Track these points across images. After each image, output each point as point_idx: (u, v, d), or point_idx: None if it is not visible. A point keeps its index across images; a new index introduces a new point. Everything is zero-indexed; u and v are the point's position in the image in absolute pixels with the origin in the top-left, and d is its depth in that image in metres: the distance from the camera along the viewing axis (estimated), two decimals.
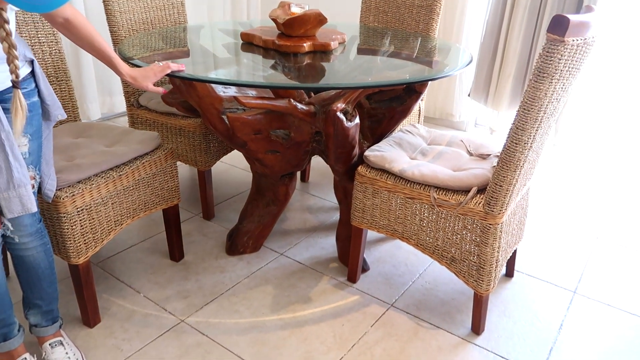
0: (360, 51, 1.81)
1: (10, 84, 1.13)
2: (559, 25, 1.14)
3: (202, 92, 1.43)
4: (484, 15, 3.03)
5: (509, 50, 2.86)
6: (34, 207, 1.18)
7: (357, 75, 1.49)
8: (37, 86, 1.23)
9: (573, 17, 1.14)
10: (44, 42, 1.68)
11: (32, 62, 1.21)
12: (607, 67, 2.77)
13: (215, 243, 1.97)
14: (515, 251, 1.77)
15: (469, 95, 3.17)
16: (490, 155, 1.62)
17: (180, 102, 1.60)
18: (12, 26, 1.08)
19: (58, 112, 1.29)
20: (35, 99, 1.22)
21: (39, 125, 1.23)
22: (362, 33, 2.21)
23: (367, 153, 1.58)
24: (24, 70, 1.17)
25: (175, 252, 1.84)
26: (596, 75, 2.79)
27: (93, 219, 1.45)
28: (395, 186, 1.52)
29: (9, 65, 1.04)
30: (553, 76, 1.20)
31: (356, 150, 1.63)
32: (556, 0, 2.62)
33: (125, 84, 2.14)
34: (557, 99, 1.30)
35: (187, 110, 1.65)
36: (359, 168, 1.59)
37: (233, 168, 2.62)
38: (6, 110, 1.12)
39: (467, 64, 1.62)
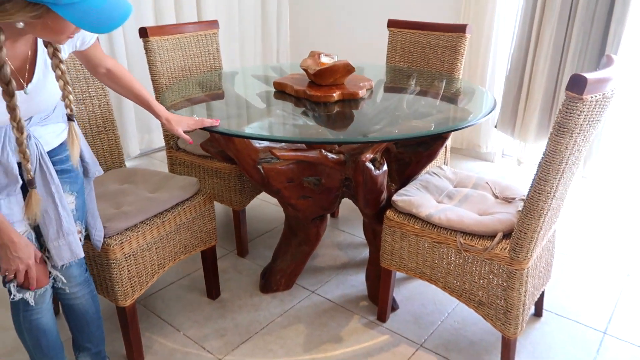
0: (387, 97, 1.90)
1: (57, 144, 1.24)
2: (577, 84, 1.19)
3: (240, 146, 1.53)
4: (508, 49, 3.08)
5: (534, 83, 2.90)
6: (81, 253, 1.28)
7: (385, 125, 1.57)
8: (82, 153, 1.32)
9: (591, 76, 1.20)
10: (94, 96, 1.83)
11: (70, 117, 1.27)
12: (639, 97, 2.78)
13: (249, 280, 2.05)
14: (543, 291, 1.79)
15: (495, 126, 3.21)
16: (515, 198, 1.67)
17: (218, 151, 1.71)
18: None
19: (96, 169, 1.39)
20: (70, 162, 1.29)
21: (82, 183, 1.34)
22: (388, 76, 2.29)
23: (394, 198, 1.65)
24: (66, 132, 1.26)
25: (212, 290, 1.94)
26: (627, 105, 2.79)
27: (139, 263, 1.56)
28: (422, 231, 1.58)
29: (64, 100, 1.15)
30: (573, 131, 1.25)
31: (384, 195, 1.70)
32: (580, 35, 2.66)
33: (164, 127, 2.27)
34: (578, 150, 1.35)
35: (224, 159, 1.76)
36: (388, 212, 1.65)
37: (266, 203, 2.72)
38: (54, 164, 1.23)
39: (490, 111, 1.68)
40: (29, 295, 1.25)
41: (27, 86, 1.08)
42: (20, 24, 0.94)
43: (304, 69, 1.86)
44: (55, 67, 1.11)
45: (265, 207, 2.68)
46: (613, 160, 2.91)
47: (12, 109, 1.01)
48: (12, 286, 1.23)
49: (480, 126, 3.26)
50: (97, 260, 1.51)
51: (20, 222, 1.18)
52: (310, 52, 1.93)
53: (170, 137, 2.28)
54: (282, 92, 1.91)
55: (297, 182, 1.63)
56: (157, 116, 1.53)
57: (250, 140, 1.59)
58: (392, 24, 2.58)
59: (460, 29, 2.34)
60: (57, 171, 1.22)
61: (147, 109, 1.51)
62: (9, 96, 0.99)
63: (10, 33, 1.00)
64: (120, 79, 1.45)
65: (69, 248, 1.25)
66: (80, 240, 1.34)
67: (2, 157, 1.11)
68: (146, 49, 2.13)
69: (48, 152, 1.20)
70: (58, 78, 1.12)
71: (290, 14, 4.12)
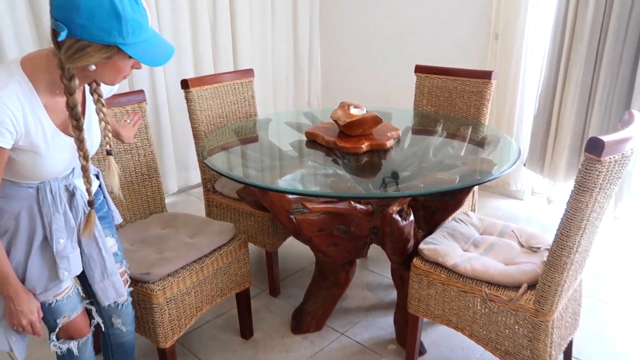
0: (414, 145, 1.98)
1: (93, 194, 1.34)
2: (595, 147, 1.25)
3: (274, 197, 1.64)
4: (536, 90, 3.12)
5: (563, 123, 2.93)
6: (125, 292, 1.39)
7: (411, 177, 1.65)
8: (105, 198, 1.45)
9: (609, 138, 1.25)
10: (140, 147, 1.98)
11: (97, 176, 1.43)
12: None
13: (281, 320, 2.13)
14: (571, 340, 1.80)
15: (524, 165, 3.23)
16: (540, 248, 1.70)
17: (253, 200, 1.81)
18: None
19: (118, 218, 1.50)
20: (106, 208, 1.44)
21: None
22: (415, 123, 2.38)
23: (421, 246, 1.71)
24: (95, 184, 1.39)
25: (246, 330, 2.02)
26: None
27: (179, 307, 1.66)
28: (448, 279, 1.63)
29: (104, 137, 1.26)
30: (593, 190, 1.30)
31: (411, 243, 1.76)
32: (608, 75, 2.69)
33: (203, 171, 2.40)
34: (600, 206, 1.39)
35: (258, 208, 1.86)
36: (414, 260, 1.71)
37: (297, 242, 2.80)
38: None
39: (515, 162, 1.73)
40: (73, 345, 1.34)
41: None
42: (93, 67, 1.06)
43: (334, 120, 1.97)
44: (99, 110, 1.23)
45: (296, 246, 2.77)
46: None
47: (80, 141, 1.12)
48: (54, 343, 1.31)
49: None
50: (140, 304, 1.62)
51: (69, 278, 1.27)
52: (340, 103, 2.04)
53: (208, 181, 2.41)
54: (313, 141, 2.02)
55: (327, 230, 1.72)
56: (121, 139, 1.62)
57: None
58: (419, 69, 2.67)
59: (486, 75, 2.41)
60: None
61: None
62: (79, 130, 1.11)
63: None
64: None
65: (113, 288, 1.36)
66: (127, 280, 1.47)
67: (60, 207, 1.24)
68: (187, 99, 2.29)
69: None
70: (101, 120, 1.24)
71: (322, 59, 4.29)
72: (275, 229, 2.18)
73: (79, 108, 1.10)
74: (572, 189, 1.33)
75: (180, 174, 3.54)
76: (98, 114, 1.25)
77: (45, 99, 1.11)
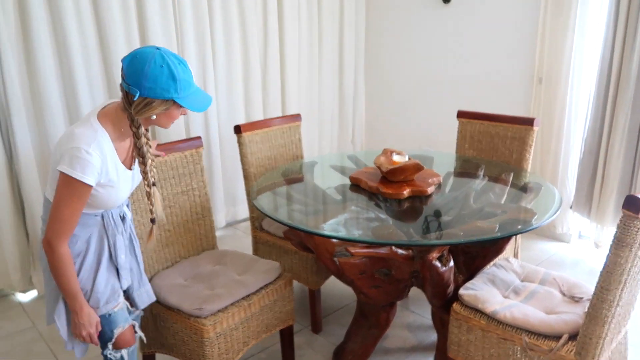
0: (455, 191, 2.04)
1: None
2: (632, 205, 1.28)
3: (318, 240, 1.73)
4: (581, 134, 3.12)
5: (610, 167, 2.90)
6: (154, 297, 1.70)
7: (451, 224, 1.71)
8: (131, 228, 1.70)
9: None
10: (195, 189, 2.13)
11: (128, 206, 1.68)
12: None
13: (322, 358, 2.19)
14: None
15: (570, 207, 3.20)
16: (583, 298, 1.71)
17: (298, 242, 1.92)
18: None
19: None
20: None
21: None
22: (456, 168, 2.44)
23: (461, 292, 1.75)
24: (129, 213, 1.64)
25: None
26: None
27: (227, 342, 1.76)
28: (488, 326, 1.66)
29: (150, 172, 1.49)
30: (632, 245, 1.32)
31: (451, 288, 1.81)
32: None
33: (252, 210, 2.53)
34: None
35: (304, 249, 1.96)
36: (454, 305, 1.75)
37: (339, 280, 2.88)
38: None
39: (556, 213, 1.76)
40: (124, 353, 1.55)
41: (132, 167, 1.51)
42: (154, 116, 1.35)
43: (377, 166, 2.06)
44: (148, 150, 1.47)
45: (338, 284, 2.83)
46: None
47: (145, 173, 1.45)
48: (110, 352, 1.52)
49: None
50: (192, 337, 1.73)
51: (120, 294, 1.53)
52: (384, 149, 2.14)
53: (256, 219, 2.53)
54: (357, 185, 2.11)
55: (368, 273, 1.79)
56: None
57: None
58: (461, 114, 2.74)
59: (528, 122, 2.46)
60: None
61: None
62: (144, 165, 1.44)
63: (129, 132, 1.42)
64: None
65: (147, 294, 1.67)
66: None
67: (119, 230, 1.52)
68: (239, 142, 2.45)
69: None
70: (149, 158, 1.47)
71: (366, 101, 4.44)
72: (318, 268, 2.27)
73: (144, 149, 1.39)
74: (611, 243, 1.36)
75: (228, 209, 3.70)
76: (147, 153, 1.50)
77: (115, 144, 1.41)
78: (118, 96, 1.45)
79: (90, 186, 1.32)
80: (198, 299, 1.77)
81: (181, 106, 1.35)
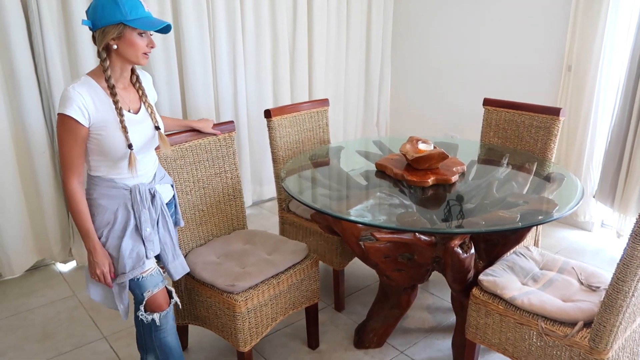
0: (478, 179, 2.09)
1: (167, 200, 1.74)
2: None
3: (345, 224, 1.82)
4: (608, 124, 3.11)
5: (636, 158, 2.89)
6: (188, 268, 1.79)
7: (474, 213, 1.77)
8: (175, 207, 1.82)
9: None
10: (227, 171, 2.23)
11: (172, 186, 1.80)
12: None
13: (345, 335, 2.30)
14: None
15: (594, 196, 3.21)
16: (600, 287, 1.77)
17: (325, 225, 2.01)
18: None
19: (181, 222, 1.88)
20: (175, 217, 1.84)
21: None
22: (481, 155, 2.48)
23: (481, 277, 1.83)
24: (169, 193, 1.77)
25: (312, 341, 2.21)
26: None
27: (257, 317, 1.88)
28: (506, 311, 1.74)
29: (152, 118, 1.63)
30: None
31: (471, 273, 1.88)
32: None
33: (279, 191, 2.63)
34: None
35: (330, 232, 2.05)
36: (474, 290, 1.83)
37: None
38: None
39: (577, 204, 1.81)
40: (156, 317, 1.66)
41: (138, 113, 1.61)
42: (115, 46, 1.45)
43: (403, 154, 2.13)
44: (144, 100, 1.64)
45: (361, 265, 2.93)
46: None
47: (115, 102, 1.51)
48: (142, 313, 1.64)
49: None
50: (225, 311, 1.85)
51: (151, 259, 1.63)
52: (409, 137, 2.19)
53: (283, 200, 2.63)
54: (382, 172, 2.18)
55: (392, 257, 1.87)
56: (195, 129, 2.06)
57: None
58: (487, 102, 2.77)
59: (554, 112, 2.47)
60: None
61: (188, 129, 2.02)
62: (114, 96, 1.51)
63: (122, 80, 1.56)
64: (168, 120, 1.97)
65: (181, 266, 1.76)
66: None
67: (146, 204, 1.61)
68: (269, 127, 2.53)
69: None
70: (145, 103, 1.64)
71: (392, 85, 4.46)
72: (343, 250, 2.36)
73: (110, 78, 1.50)
74: (629, 236, 1.41)
75: (254, 188, 3.82)
76: (144, 103, 1.63)
77: (106, 90, 1.52)
78: None
79: (74, 119, 1.44)
80: (230, 275, 1.89)
81: (135, 29, 1.45)
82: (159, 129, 1.65)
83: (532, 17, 3.35)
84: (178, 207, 1.86)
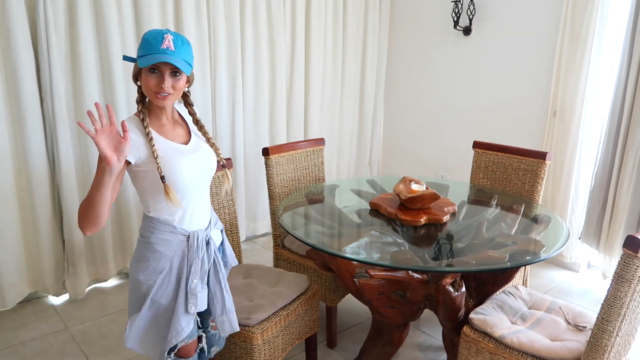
0: (468, 220, 2.17)
1: (218, 244, 1.69)
2: (632, 244, 1.41)
3: (341, 262, 1.88)
4: (592, 167, 3.23)
5: (619, 201, 3.00)
6: (237, 327, 1.67)
7: (464, 252, 1.84)
8: (223, 249, 1.76)
9: None
10: (225, 207, 2.29)
11: (222, 231, 1.75)
12: None
13: None
14: None
15: (579, 238, 3.30)
16: (586, 327, 1.82)
17: (321, 262, 2.06)
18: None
19: (234, 261, 1.81)
20: (226, 258, 1.77)
21: None
22: (471, 196, 2.57)
23: (471, 315, 1.88)
24: (219, 240, 1.71)
25: None
26: None
27: (272, 348, 1.92)
28: (496, 349, 1.78)
29: (217, 155, 1.62)
30: (631, 281, 1.44)
31: (462, 312, 1.93)
32: None
33: (275, 227, 2.69)
34: None
35: (325, 269, 2.10)
36: (464, 328, 1.88)
37: (355, 299, 3.00)
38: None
39: (563, 246, 1.89)
40: None
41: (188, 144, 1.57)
42: (139, 82, 1.46)
43: (396, 194, 2.21)
44: (203, 133, 1.64)
45: (353, 301, 2.96)
46: None
47: (145, 126, 1.48)
48: (168, 358, 1.60)
49: None
50: (240, 344, 1.88)
51: (194, 312, 1.56)
52: (403, 177, 2.28)
53: (278, 237, 2.68)
54: (376, 210, 2.26)
55: (386, 294, 1.92)
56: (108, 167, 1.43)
57: None
58: (477, 145, 2.88)
59: (541, 155, 2.59)
60: None
61: (104, 187, 1.40)
62: (146, 130, 1.47)
63: (165, 116, 1.54)
64: None
65: (229, 323, 1.66)
66: None
67: (200, 254, 1.54)
68: (266, 164, 2.61)
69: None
70: (208, 140, 1.64)
71: (384, 129, 4.61)
72: (336, 286, 2.41)
73: (141, 112, 1.48)
74: (612, 277, 1.48)
75: (248, 224, 3.86)
76: (205, 136, 1.63)
77: (157, 127, 1.52)
78: None
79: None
80: (243, 309, 1.92)
81: (145, 67, 1.40)
82: (224, 166, 1.64)
83: (520, 65, 3.52)
84: (227, 248, 1.77)
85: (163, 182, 1.44)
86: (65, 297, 2.97)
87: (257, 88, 3.61)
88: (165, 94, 1.45)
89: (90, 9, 2.74)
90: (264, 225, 3.94)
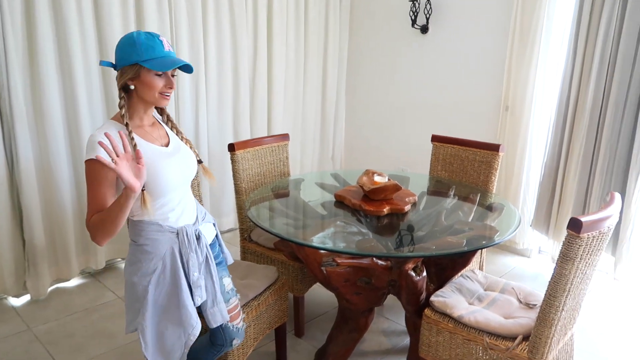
0: (428, 209, 2.29)
1: (211, 240, 1.72)
2: (575, 226, 1.54)
3: (309, 251, 1.95)
4: (542, 158, 3.43)
5: (566, 190, 3.21)
6: (227, 317, 1.71)
7: (425, 239, 1.95)
8: (220, 246, 1.81)
9: (587, 219, 1.54)
10: None
11: (214, 225, 1.80)
12: None
13: (305, 359, 2.39)
14: None
15: (530, 225, 3.50)
16: (536, 305, 1.97)
17: (289, 252, 2.13)
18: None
19: (230, 259, 1.86)
20: (222, 254, 1.81)
21: None
22: (430, 187, 2.69)
23: (432, 298, 1.99)
24: (212, 233, 1.76)
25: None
26: None
27: (244, 338, 1.95)
28: (455, 329, 1.90)
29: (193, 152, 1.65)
30: (574, 259, 1.58)
31: (424, 295, 2.04)
32: (608, 148, 2.98)
33: (241, 221, 2.73)
34: (582, 272, 1.66)
35: (293, 259, 2.17)
36: (426, 310, 1.99)
37: (321, 288, 3.09)
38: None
39: (515, 230, 2.03)
40: None
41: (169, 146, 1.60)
42: (132, 86, 1.47)
43: (360, 186, 2.30)
44: (177, 133, 1.68)
45: (320, 292, 3.05)
46: None
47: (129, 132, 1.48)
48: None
49: None
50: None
51: (200, 303, 1.61)
52: (366, 170, 2.37)
53: (245, 230, 2.73)
54: (341, 202, 2.34)
55: (352, 281, 2.01)
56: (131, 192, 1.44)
57: None
58: (435, 138, 3.01)
59: (495, 147, 2.74)
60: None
61: (125, 205, 1.43)
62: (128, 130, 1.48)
63: (147, 118, 1.56)
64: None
65: (220, 314, 1.69)
66: (240, 310, 1.81)
67: (192, 247, 1.58)
68: (232, 160, 2.65)
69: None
70: (184, 140, 1.68)
71: (346, 121, 4.70)
72: (303, 277, 2.48)
73: (125, 116, 1.49)
74: (557, 257, 1.61)
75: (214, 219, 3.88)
76: (179, 136, 1.66)
77: (137, 130, 1.54)
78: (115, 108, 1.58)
79: (100, 160, 1.34)
80: None
81: (151, 71, 1.45)
82: (201, 162, 1.68)
83: (475, 62, 3.69)
84: (223, 245, 1.83)
85: (142, 191, 1.46)
86: (26, 298, 2.91)
87: (220, 86, 3.63)
88: (169, 94, 1.53)
89: (48, 3, 2.69)
90: (230, 221, 3.96)
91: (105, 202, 1.44)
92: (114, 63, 1.49)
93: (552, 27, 3.21)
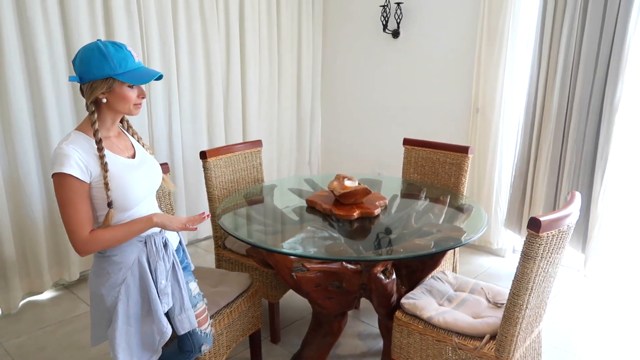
0: (399, 212, 2.31)
1: (176, 246, 1.74)
2: (534, 225, 1.58)
3: (279, 257, 1.96)
4: (512, 158, 3.49)
5: (537, 190, 3.28)
6: (196, 324, 1.71)
7: (394, 242, 1.97)
8: (184, 251, 1.83)
9: (545, 218, 1.58)
10: (164, 211, 2.31)
11: (178, 232, 1.80)
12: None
13: None
14: None
15: (504, 225, 3.56)
16: (504, 304, 2.00)
17: (260, 259, 2.13)
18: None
19: (191, 265, 1.88)
20: (187, 260, 1.83)
21: None
22: (402, 190, 2.73)
23: (402, 301, 2.01)
24: (176, 240, 1.77)
25: None
26: (625, 207, 3.10)
27: (216, 345, 1.97)
28: (425, 330, 1.93)
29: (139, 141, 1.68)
30: (535, 258, 1.62)
31: (394, 297, 2.07)
32: (574, 150, 3.06)
33: (215, 229, 2.73)
34: (544, 270, 1.70)
35: (265, 265, 2.18)
36: (397, 313, 2.01)
37: (296, 295, 3.09)
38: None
39: (482, 231, 2.07)
40: None
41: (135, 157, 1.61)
42: (104, 100, 1.45)
43: (330, 190, 2.31)
44: (139, 140, 1.70)
45: (295, 298, 3.05)
46: (614, 259, 3.19)
47: (100, 149, 1.47)
48: None
49: (491, 224, 3.61)
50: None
51: (166, 309, 1.61)
52: (337, 175, 2.39)
53: (219, 238, 2.72)
54: (312, 207, 2.36)
55: (323, 286, 2.02)
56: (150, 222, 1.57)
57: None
58: (406, 142, 3.05)
59: (464, 150, 2.78)
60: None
61: (142, 226, 1.57)
62: (100, 145, 1.47)
63: (114, 129, 1.56)
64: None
65: (188, 320, 1.68)
66: (207, 316, 1.81)
67: (160, 255, 1.60)
68: (204, 167, 2.64)
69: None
70: (144, 146, 1.70)
71: (322, 129, 4.73)
72: (277, 283, 2.48)
73: (97, 132, 1.47)
74: (520, 256, 1.65)
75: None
76: (140, 143, 1.68)
77: (105, 142, 1.51)
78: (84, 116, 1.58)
79: (73, 176, 1.39)
80: None
81: (124, 83, 1.43)
82: (166, 172, 1.70)
83: (445, 66, 3.74)
84: (186, 251, 1.85)
85: (110, 208, 1.48)
86: None
87: (194, 92, 3.62)
88: (141, 103, 1.53)
89: (14, 15, 2.66)
90: (206, 228, 3.95)
91: (90, 214, 1.46)
92: (77, 76, 1.47)
93: (518, 30, 3.29)
